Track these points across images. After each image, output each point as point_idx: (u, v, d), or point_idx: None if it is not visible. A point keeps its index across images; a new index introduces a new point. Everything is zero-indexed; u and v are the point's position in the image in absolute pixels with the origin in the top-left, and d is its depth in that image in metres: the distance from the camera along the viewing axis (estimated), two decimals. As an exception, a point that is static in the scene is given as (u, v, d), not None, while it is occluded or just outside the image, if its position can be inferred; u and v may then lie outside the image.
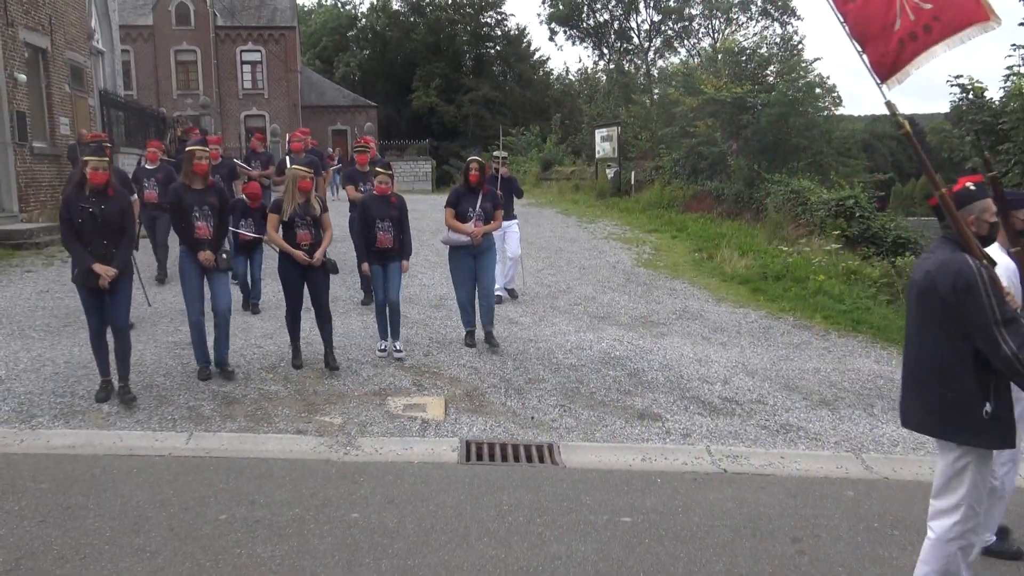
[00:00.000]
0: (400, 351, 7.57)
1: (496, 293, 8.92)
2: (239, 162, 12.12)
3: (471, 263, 7.80)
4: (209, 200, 6.65)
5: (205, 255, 6.59)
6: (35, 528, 4.26)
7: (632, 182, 22.37)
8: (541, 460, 5.58)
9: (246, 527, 4.36)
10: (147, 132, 21.83)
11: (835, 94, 21.05)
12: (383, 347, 7.62)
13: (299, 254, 6.83)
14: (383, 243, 7.34)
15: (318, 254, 6.91)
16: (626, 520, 4.67)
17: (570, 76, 56.82)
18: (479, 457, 5.58)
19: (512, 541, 4.34)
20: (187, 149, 6.73)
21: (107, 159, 6.05)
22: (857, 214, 14.46)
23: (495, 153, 10.62)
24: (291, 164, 10.07)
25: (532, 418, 6.35)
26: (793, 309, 10.33)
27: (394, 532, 4.37)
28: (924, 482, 5.51)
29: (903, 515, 4.92)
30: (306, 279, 7.02)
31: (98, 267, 5.89)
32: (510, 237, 10.00)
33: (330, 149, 25.96)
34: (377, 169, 7.74)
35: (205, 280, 6.75)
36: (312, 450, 5.46)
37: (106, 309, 6.11)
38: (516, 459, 5.58)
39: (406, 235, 7.57)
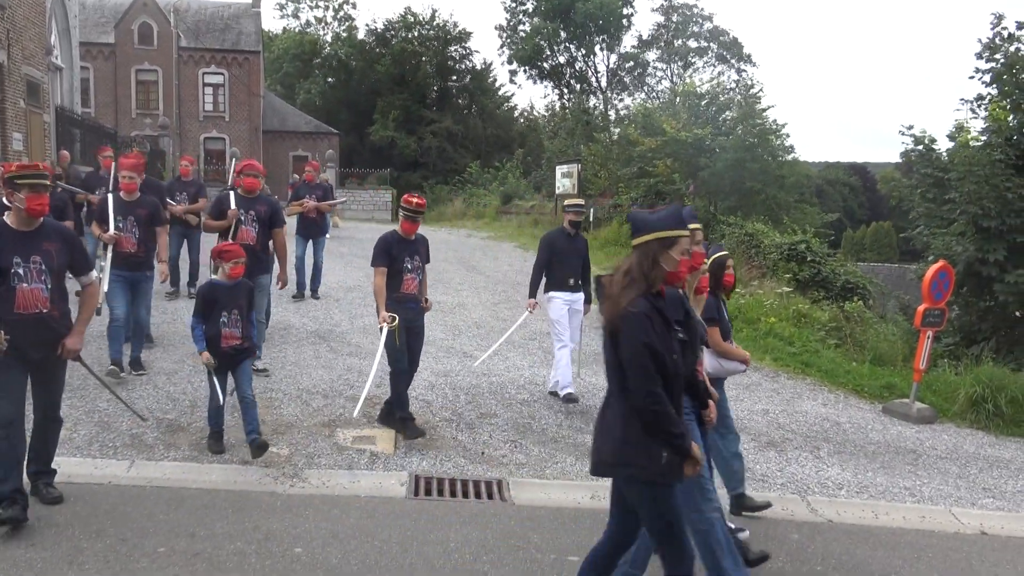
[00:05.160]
0: None
1: (567, 390, 7.38)
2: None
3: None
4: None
5: None
6: (-38, 558, 4.10)
7: (591, 219, 22.60)
8: (490, 496, 5.55)
9: (185, 560, 4.25)
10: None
11: (788, 143, 21.62)
12: None
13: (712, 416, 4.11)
14: None
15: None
16: (574, 559, 4.64)
17: (535, 112, 57.62)
18: (427, 492, 5.52)
19: (457, 579, 4.29)
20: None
21: None
22: (808, 258, 14.79)
23: (568, 201, 8.09)
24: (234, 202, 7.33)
25: (483, 453, 6.32)
26: (744, 350, 10.45)
27: (337, 568, 4.30)
28: (867, 526, 5.61)
29: (846, 559, 4.99)
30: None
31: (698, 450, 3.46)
32: (575, 319, 7.66)
33: (295, 176, 24.86)
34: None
35: None
36: (257, 481, 5.36)
37: None
38: (465, 495, 5.53)
39: None
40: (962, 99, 12.98)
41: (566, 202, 8.21)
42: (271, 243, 7.66)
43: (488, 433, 6.74)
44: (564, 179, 24.39)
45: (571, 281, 7.53)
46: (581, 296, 7.64)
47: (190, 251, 10.57)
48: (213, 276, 5.94)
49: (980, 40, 12.81)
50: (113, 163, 10.56)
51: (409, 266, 6.37)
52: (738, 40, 52.42)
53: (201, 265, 10.88)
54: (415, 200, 6.48)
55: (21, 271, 4.51)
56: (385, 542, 4.65)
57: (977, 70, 12.78)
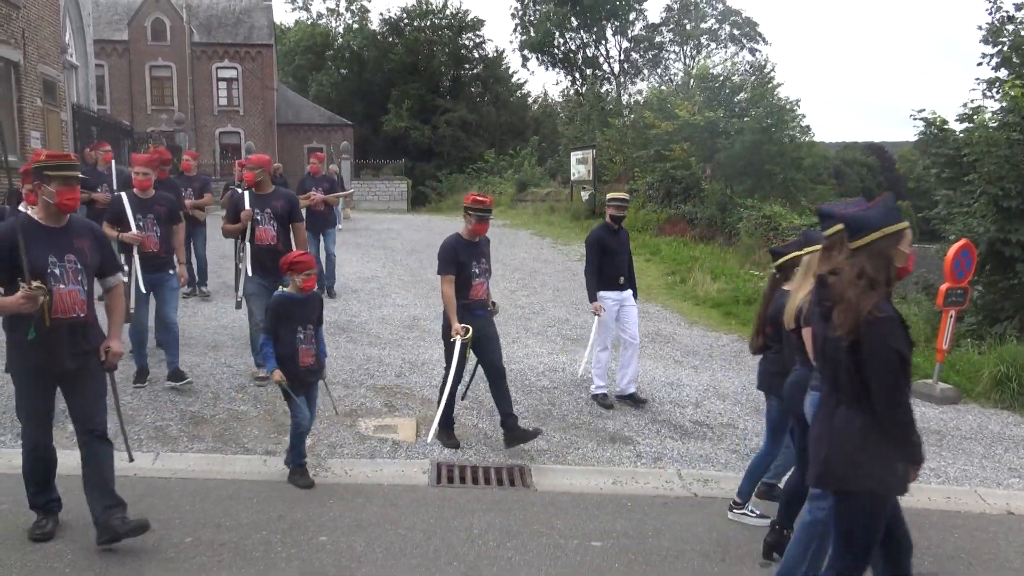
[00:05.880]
0: None
1: (602, 391, 7.43)
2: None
3: None
4: None
5: None
6: (-7, 551, 4.16)
7: (595, 203, 22.53)
8: (512, 483, 5.56)
9: (211, 550, 4.29)
10: (119, 147, 21.64)
11: (804, 124, 21.44)
12: None
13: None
14: None
15: None
16: (596, 544, 4.66)
17: (550, 98, 57.46)
18: (450, 480, 5.54)
19: (481, 566, 4.31)
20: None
21: None
22: (827, 240, 14.65)
23: (610, 196, 7.77)
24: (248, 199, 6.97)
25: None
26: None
27: (362, 556, 4.33)
28: (891, 507, 5.57)
29: (870, 540, 4.95)
30: None
31: None
32: (630, 315, 7.50)
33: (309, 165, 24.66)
34: None
35: None
36: (281, 472, 5.39)
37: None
38: (487, 482, 5.55)
39: None
40: (977, 79, 12.80)
41: (608, 196, 7.90)
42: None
43: (509, 420, 6.73)
44: (579, 165, 24.29)
45: (621, 280, 7.42)
46: (630, 293, 7.52)
47: (195, 247, 10.46)
48: (284, 288, 5.36)
49: (980, 27, 12.71)
50: (112, 159, 10.47)
51: (476, 270, 6.01)
52: (751, 19, 52.14)
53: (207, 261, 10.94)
54: (485, 199, 6.07)
55: (57, 271, 4.05)
56: (409, 529, 4.67)
57: (984, 55, 12.66)
